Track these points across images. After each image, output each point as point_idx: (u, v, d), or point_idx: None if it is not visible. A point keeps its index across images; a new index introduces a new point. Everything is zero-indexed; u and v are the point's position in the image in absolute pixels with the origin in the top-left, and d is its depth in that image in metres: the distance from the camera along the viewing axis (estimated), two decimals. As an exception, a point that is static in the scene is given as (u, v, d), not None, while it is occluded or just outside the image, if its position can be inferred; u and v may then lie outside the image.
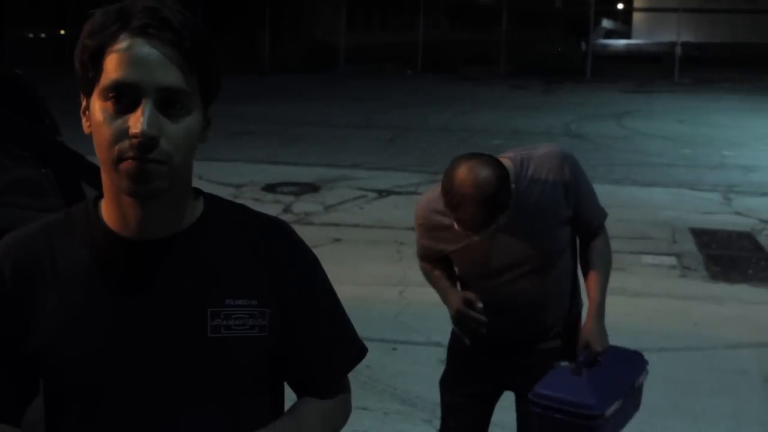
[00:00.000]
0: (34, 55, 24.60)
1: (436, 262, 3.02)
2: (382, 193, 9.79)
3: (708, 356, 5.38)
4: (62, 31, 28.94)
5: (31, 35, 29.55)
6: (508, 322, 2.90)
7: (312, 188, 9.94)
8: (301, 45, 29.18)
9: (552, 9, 53.41)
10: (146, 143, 1.27)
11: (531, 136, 14.09)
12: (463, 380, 3.08)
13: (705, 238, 8.11)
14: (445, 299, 2.98)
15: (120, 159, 1.29)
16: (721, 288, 6.75)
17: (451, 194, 2.60)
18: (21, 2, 27.96)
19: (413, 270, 6.82)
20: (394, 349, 5.29)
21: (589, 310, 2.88)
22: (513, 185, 2.68)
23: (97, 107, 1.30)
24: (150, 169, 1.28)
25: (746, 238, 8.18)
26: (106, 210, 1.40)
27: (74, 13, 29.22)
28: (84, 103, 1.35)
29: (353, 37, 30.94)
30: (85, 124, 1.35)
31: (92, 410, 1.39)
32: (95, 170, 3.04)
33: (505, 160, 2.76)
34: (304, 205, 9.23)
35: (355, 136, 14.17)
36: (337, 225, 8.40)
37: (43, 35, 29.81)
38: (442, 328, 3.26)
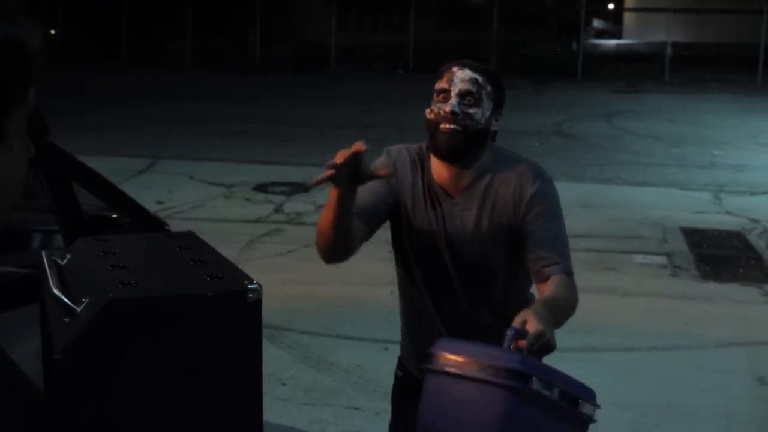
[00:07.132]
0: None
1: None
2: (374, 193, 9.78)
3: (698, 355, 5.40)
4: (52, 31, 28.84)
5: (20, 34, 29.43)
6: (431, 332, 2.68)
7: (303, 188, 9.92)
8: (291, 45, 29.14)
9: (543, 9, 53.49)
10: None
11: (522, 136, 14.10)
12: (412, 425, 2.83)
13: (695, 237, 8.12)
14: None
15: None
16: (712, 287, 6.76)
17: (446, 64, 2.69)
18: (10, 1, 27.84)
19: (404, 270, 6.85)
20: (386, 348, 5.27)
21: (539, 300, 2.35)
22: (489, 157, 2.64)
23: None
24: None
25: (736, 237, 8.20)
26: None
27: (64, 11, 29.17)
28: None
29: (344, 37, 30.92)
30: None
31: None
32: (85, 170, 3.04)
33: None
34: (295, 204, 9.22)
35: (346, 135, 14.13)
36: (328, 225, 8.38)
37: (33, 34, 29.69)
38: (434, 327, 3.24)
